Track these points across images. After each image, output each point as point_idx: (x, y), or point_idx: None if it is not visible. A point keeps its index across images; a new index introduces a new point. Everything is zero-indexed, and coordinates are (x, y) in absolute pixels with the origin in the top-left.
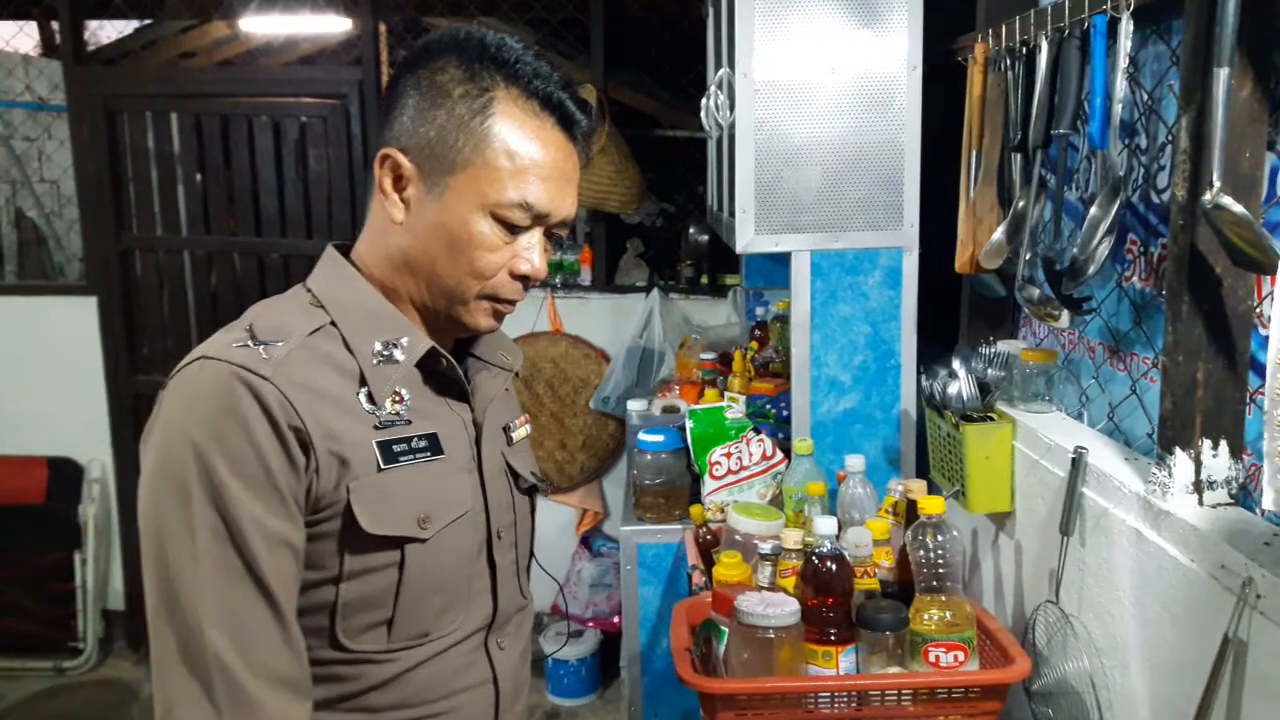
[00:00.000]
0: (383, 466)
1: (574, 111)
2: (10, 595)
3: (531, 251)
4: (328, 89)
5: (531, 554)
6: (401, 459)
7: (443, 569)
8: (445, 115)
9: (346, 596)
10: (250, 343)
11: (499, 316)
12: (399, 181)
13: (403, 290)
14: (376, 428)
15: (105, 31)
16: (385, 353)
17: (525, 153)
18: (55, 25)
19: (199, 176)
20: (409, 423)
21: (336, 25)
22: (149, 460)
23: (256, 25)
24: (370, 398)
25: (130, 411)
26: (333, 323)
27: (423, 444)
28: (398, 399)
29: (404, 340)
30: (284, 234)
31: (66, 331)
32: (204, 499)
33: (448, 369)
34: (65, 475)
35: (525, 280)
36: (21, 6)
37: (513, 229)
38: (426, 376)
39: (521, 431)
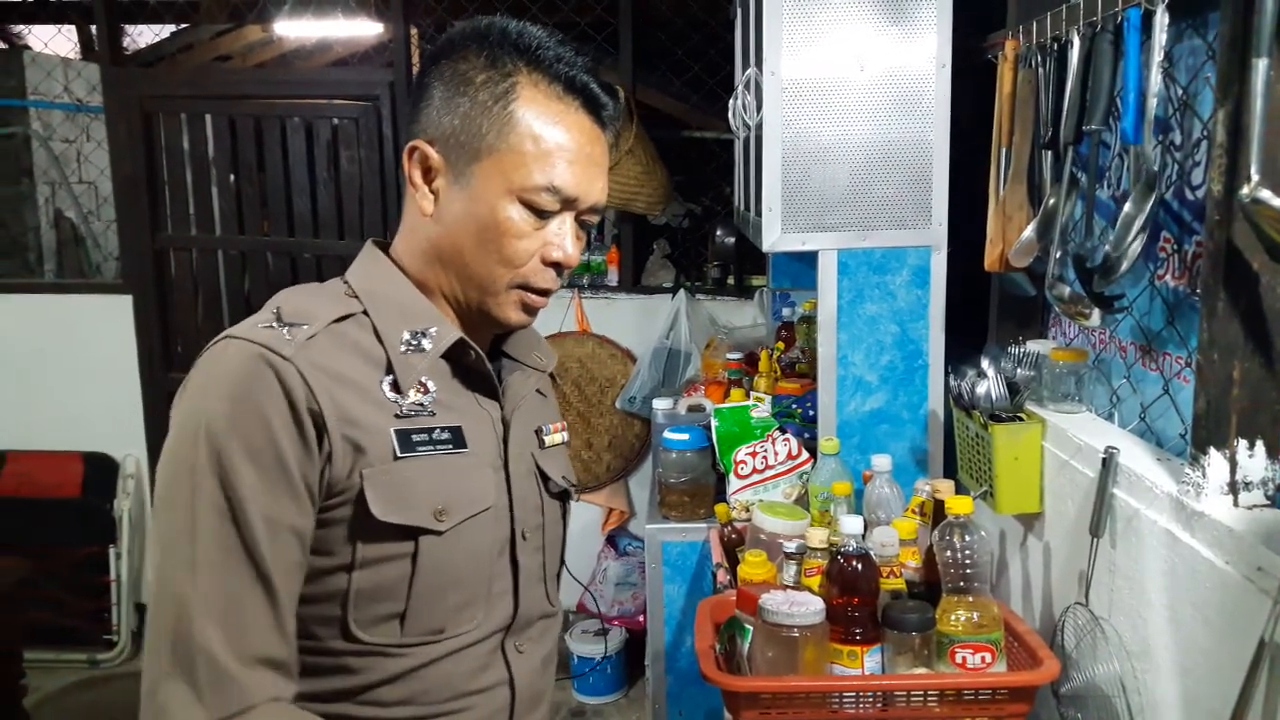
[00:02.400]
0: (399, 455)
1: (599, 95)
2: (47, 589)
3: (563, 237)
4: (360, 91)
5: (562, 562)
6: (420, 449)
7: (460, 565)
8: (468, 103)
9: (359, 585)
10: (275, 324)
11: (530, 310)
12: (427, 173)
13: (435, 283)
14: (397, 416)
15: (143, 36)
16: (413, 342)
17: (550, 136)
18: (93, 29)
19: (233, 177)
20: (433, 414)
21: (368, 29)
22: (169, 434)
23: (290, 29)
24: (395, 386)
25: (164, 408)
26: (365, 312)
27: (445, 436)
28: (423, 389)
29: (432, 330)
30: (316, 234)
31: (102, 329)
32: (212, 476)
33: (476, 362)
34: (101, 470)
35: (558, 268)
36: (60, 10)
37: (542, 214)
38: (456, 371)
39: (556, 437)
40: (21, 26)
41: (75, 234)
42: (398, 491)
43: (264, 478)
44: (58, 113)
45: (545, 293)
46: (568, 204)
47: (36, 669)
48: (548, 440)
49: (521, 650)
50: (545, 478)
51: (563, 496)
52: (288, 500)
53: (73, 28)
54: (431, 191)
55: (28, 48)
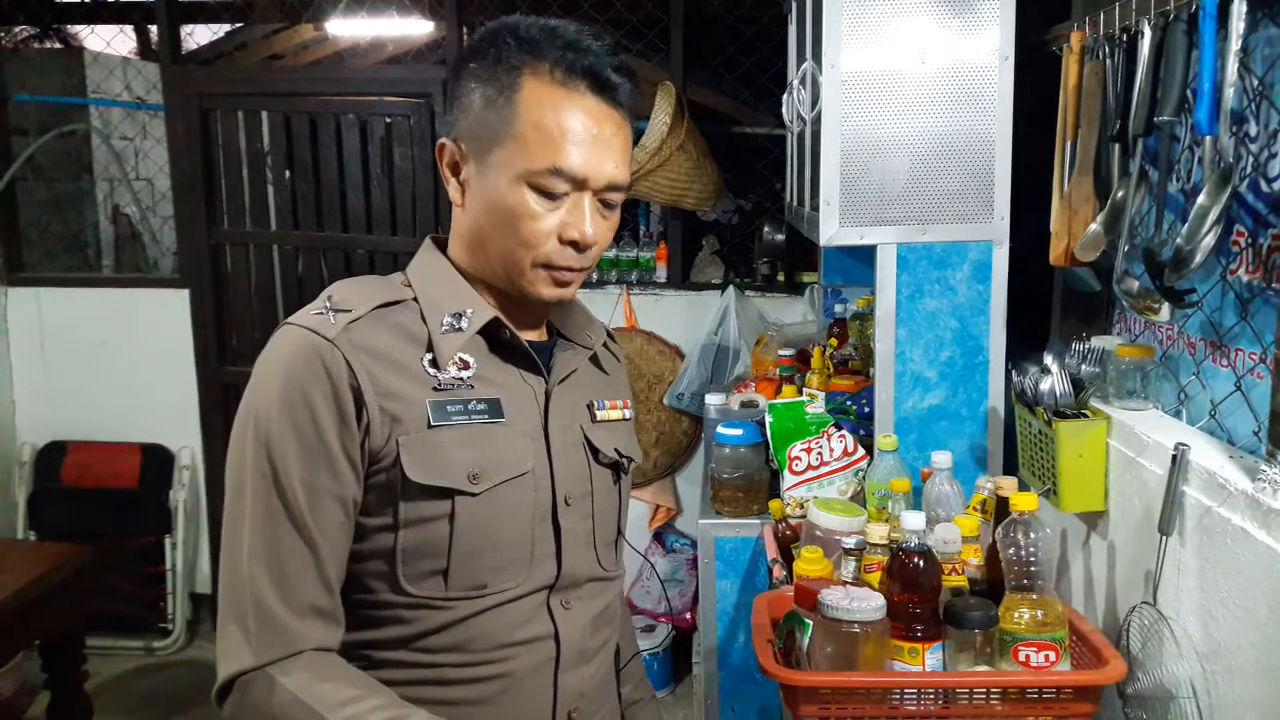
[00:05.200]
0: (433, 423)
1: (609, 76)
2: (105, 577)
3: (578, 217)
4: (412, 88)
5: (620, 532)
6: (455, 418)
7: (498, 526)
8: (481, 99)
9: (405, 543)
10: (325, 310)
11: (562, 284)
12: (455, 168)
13: (476, 269)
14: (435, 390)
15: (199, 35)
16: (452, 322)
17: (551, 121)
18: (152, 29)
19: (288, 174)
20: (471, 387)
21: (420, 28)
22: (239, 409)
23: (343, 28)
24: (434, 363)
25: (219, 401)
26: (415, 299)
27: (481, 407)
28: (463, 365)
29: (469, 311)
30: (370, 230)
31: (160, 323)
32: (260, 446)
33: (513, 339)
34: (157, 462)
35: (576, 246)
36: (121, 10)
37: (553, 196)
38: (498, 348)
39: (613, 413)
40: (81, 28)
41: (133, 229)
42: (432, 456)
43: (304, 450)
44: (117, 110)
45: (570, 269)
46: (578, 184)
47: (95, 655)
48: (600, 415)
49: (568, 606)
50: (595, 449)
51: (614, 468)
52: (326, 471)
53: (131, 28)
54: (460, 184)
55: (84, 49)
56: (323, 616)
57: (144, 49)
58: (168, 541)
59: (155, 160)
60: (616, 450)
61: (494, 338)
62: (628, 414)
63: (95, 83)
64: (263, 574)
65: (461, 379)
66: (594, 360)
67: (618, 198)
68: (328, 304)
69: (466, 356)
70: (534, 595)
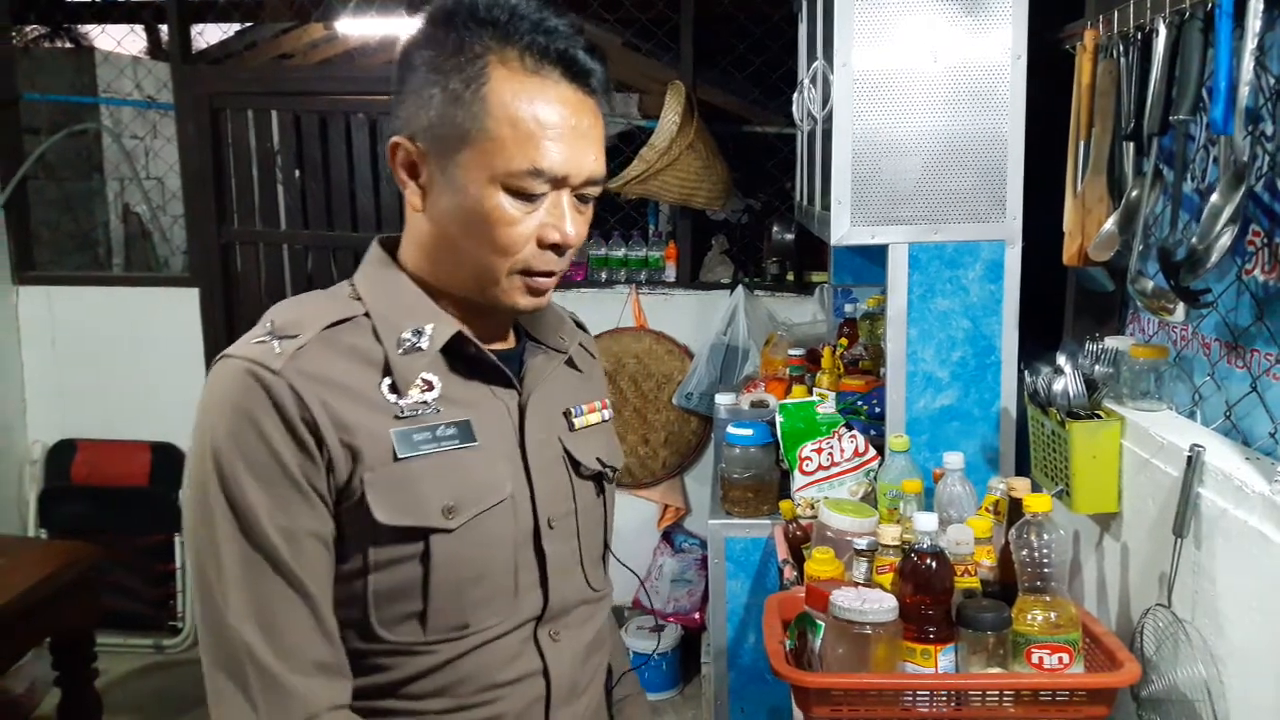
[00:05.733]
0: (399, 456)
1: (583, 61)
2: (116, 575)
3: (558, 218)
4: None
5: (607, 545)
6: (423, 448)
7: (479, 560)
8: (441, 92)
9: (376, 588)
10: (268, 338)
11: (537, 293)
12: (413, 169)
13: (435, 277)
14: (397, 417)
15: (209, 34)
16: (411, 341)
17: (528, 116)
18: (163, 28)
19: (298, 172)
20: (438, 411)
21: None
22: (188, 457)
23: (352, 27)
24: (394, 388)
25: None
26: (367, 314)
27: (450, 432)
28: (427, 387)
29: (428, 327)
30: (379, 229)
31: (170, 321)
32: (220, 496)
33: (478, 354)
34: (167, 460)
35: (557, 249)
36: (132, 10)
37: (531, 198)
38: (463, 363)
39: (592, 417)
40: (91, 27)
41: (143, 228)
42: (400, 493)
43: (271, 491)
44: (128, 109)
45: (549, 274)
46: (557, 183)
47: (104, 653)
48: (579, 422)
49: (557, 638)
50: (575, 462)
51: (598, 479)
52: (301, 508)
53: (141, 27)
54: (419, 186)
55: (95, 48)
56: (329, 672)
57: (154, 48)
58: (177, 539)
59: (165, 159)
60: (599, 460)
61: (458, 352)
62: (606, 415)
63: (106, 82)
64: (256, 634)
65: (426, 402)
66: (568, 361)
67: (595, 191)
68: (269, 330)
69: (429, 376)
70: (520, 630)
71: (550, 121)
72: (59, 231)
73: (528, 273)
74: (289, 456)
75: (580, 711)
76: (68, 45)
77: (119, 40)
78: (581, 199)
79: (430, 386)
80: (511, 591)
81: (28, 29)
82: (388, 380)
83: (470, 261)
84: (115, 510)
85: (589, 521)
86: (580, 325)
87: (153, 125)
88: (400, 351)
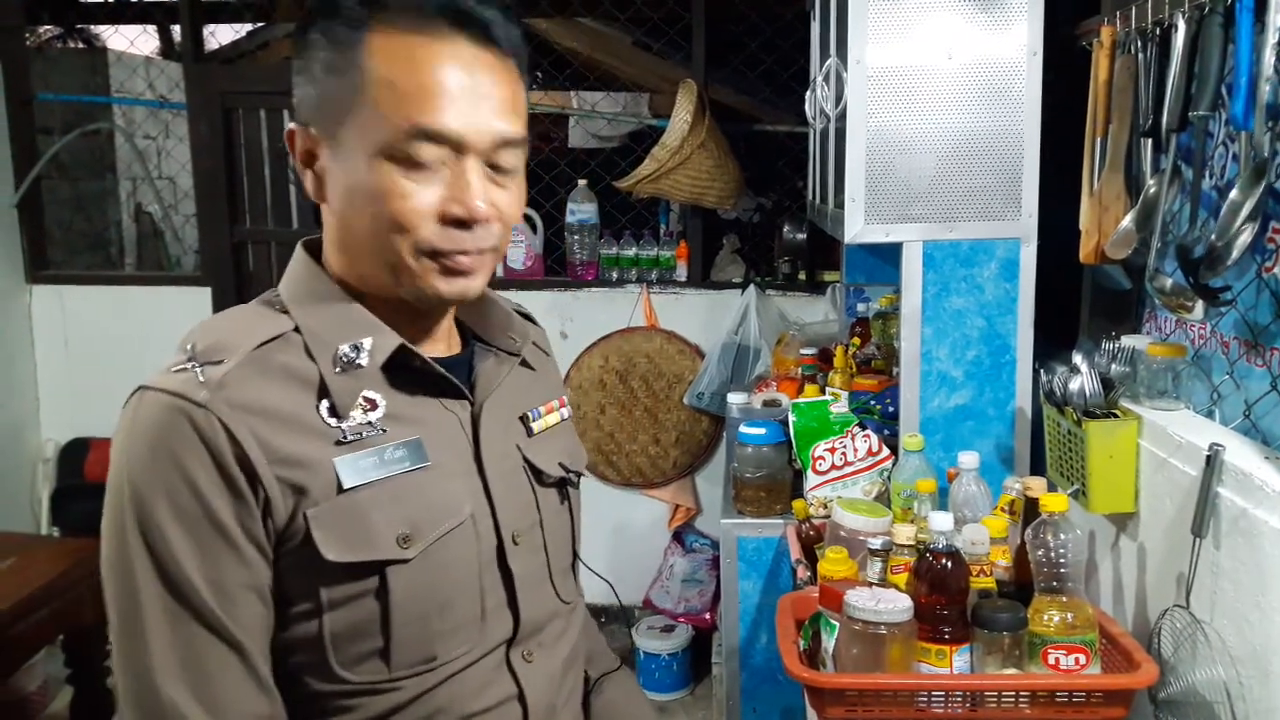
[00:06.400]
0: (344, 487)
1: (473, 11)
2: None
3: (460, 189)
4: None
5: (576, 555)
6: (370, 474)
7: (441, 587)
8: (322, 69)
9: (333, 628)
10: (189, 365)
11: (458, 273)
12: (310, 157)
13: (356, 276)
14: (340, 443)
15: (220, 35)
16: (348, 357)
17: (408, 76)
18: (174, 28)
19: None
20: (384, 431)
21: None
22: (104, 494)
23: None
24: (333, 410)
25: None
26: (296, 329)
27: (399, 454)
28: (370, 406)
29: (366, 341)
30: None
31: (182, 321)
32: (141, 544)
33: (424, 366)
34: None
35: (464, 224)
36: (144, 10)
37: (419, 165)
38: (407, 377)
39: (550, 418)
40: (104, 28)
41: (155, 227)
42: (349, 527)
43: (197, 540)
44: (140, 109)
45: (463, 253)
46: (455, 147)
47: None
48: (537, 426)
49: (530, 659)
50: (537, 470)
51: (560, 485)
52: (229, 559)
53: (154, 27)
54: (316, 175)
55: (108, 49)
56: None
57: (166, 48)
58: None
59: (178, 159)
60: (561, 465)
61: (401, 364)
62: (565, 413)
63: (119, 82)
64: (185, 694)
65: (370, 423)
66: (522, 362)
67: (513, 159)
68: (190, 355)
69: (371, 394)
70: (491, 655)
71: (434, 78)
72: (71, 231)
73: (437, 254)
74: (219, 504)
75: None
76: (80, 46)
77: (131, 40)
78: (496, 168)
79: (373, 405)
80: (478, 616)
81: (41, 30)
82: (325, 403)
83: (372, 248)
84: None
85: (555, 532)
86: (528, 317)
87: (165, 125)
88: (337, 370)
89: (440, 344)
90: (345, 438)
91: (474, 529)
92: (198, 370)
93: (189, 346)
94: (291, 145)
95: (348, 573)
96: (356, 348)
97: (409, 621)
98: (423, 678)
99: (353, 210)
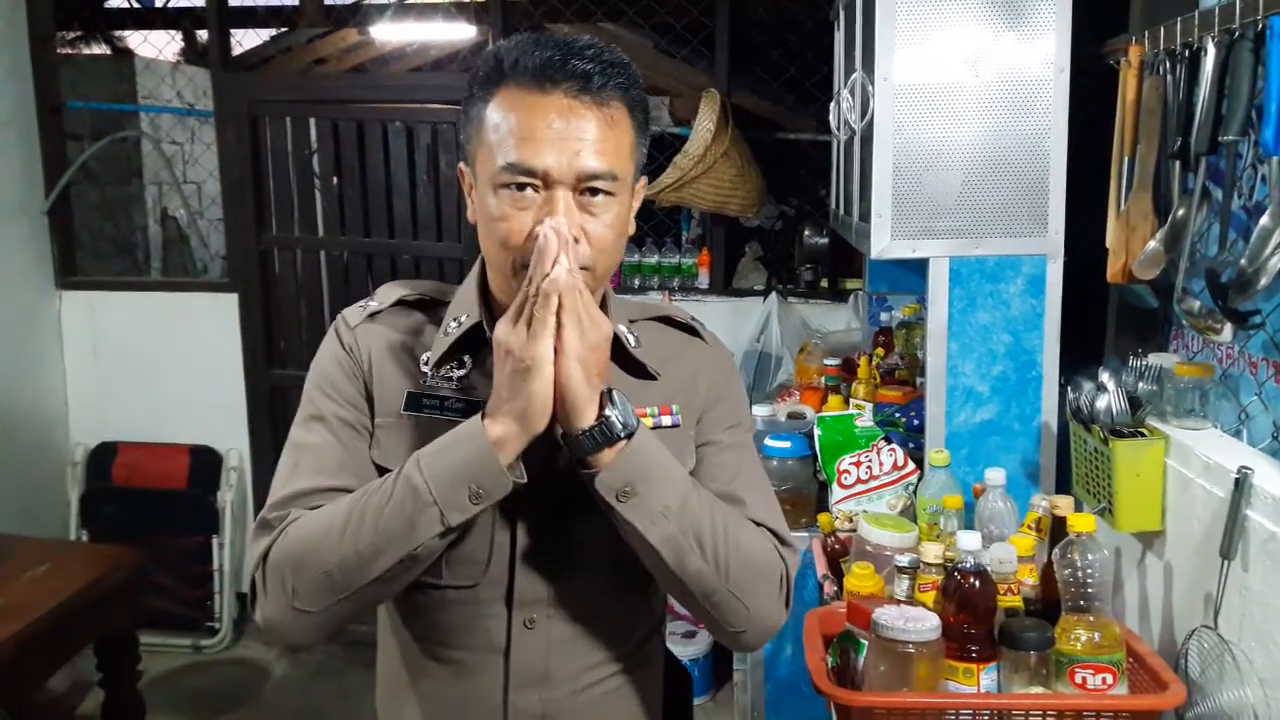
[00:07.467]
0: (403, 412)
1: (575, 67)
2: (155, 576)
3: (549, 213)
4: (460, 95)
5: (636, 558)
6: (426, 410)
7: None
8: (468, 120)
9: None
10: (366, 304)
11: None
12: (469, 189)
13: (492, 283)
14: (421, 383)
15: (244, 40)
16: (450, 328)
17: (506, 122)
18: (200, 35)
19: (335, 179)
20: (458, 387)
21: (464, 33)
22: None
23: (388, 33)
24: (429, 361)
25: (267, 403)
26: (446, 303)
27: (458, 406)
28: (458, 365)
29: (463, 317)
30: (415, 236)
31: (209, 326)
32: (307, 388)
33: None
34: (206, 463)
35: None
36: (172, 17)
37: (522, 196)
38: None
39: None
40: (130, 33)
41: (180, 233)
42: (396, 442)
43: (327, 393)
44: (166, 116)
45: None
46: (545, 180)
47: (143, 652)
48: None
49: (531, 625)
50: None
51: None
52: (343, 406)
53: (180, 35)
54: (471, 202)
55: (135, 56)
56: (322, 495)
57: (192, 55)
58: (215, 542)
59: (205, 165)
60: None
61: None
62: (664, 420)
63: (147, 89)
64: (287, 465)
65: (451, 378)
66: (635, 372)
67: (604, 187)
68: (371, 298)
69: (466, 358)
70: (493, 605)
71: (525, 123)
72: (100, 237)
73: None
74: (341, 380)
75: (553, 700)
76: (108, 53)
77: (160, 49)
78: (589, 199)
79: (463, 365)
80: (479, 561)
81: (70, 36)
82: (426, 355)
83: (493, 262)
84: (154, 512)
85: (595, 525)
86: (694, 331)
87: (191, 131)
88: (443, 334)
89: None
90: (426, 381)
91: None
92: (367, 307)
93: (376, 292)
94: (462, 180)
95: (381, 474)
96: (458, 322)
97: None
98: (430, 593)
99: (482, 231)
